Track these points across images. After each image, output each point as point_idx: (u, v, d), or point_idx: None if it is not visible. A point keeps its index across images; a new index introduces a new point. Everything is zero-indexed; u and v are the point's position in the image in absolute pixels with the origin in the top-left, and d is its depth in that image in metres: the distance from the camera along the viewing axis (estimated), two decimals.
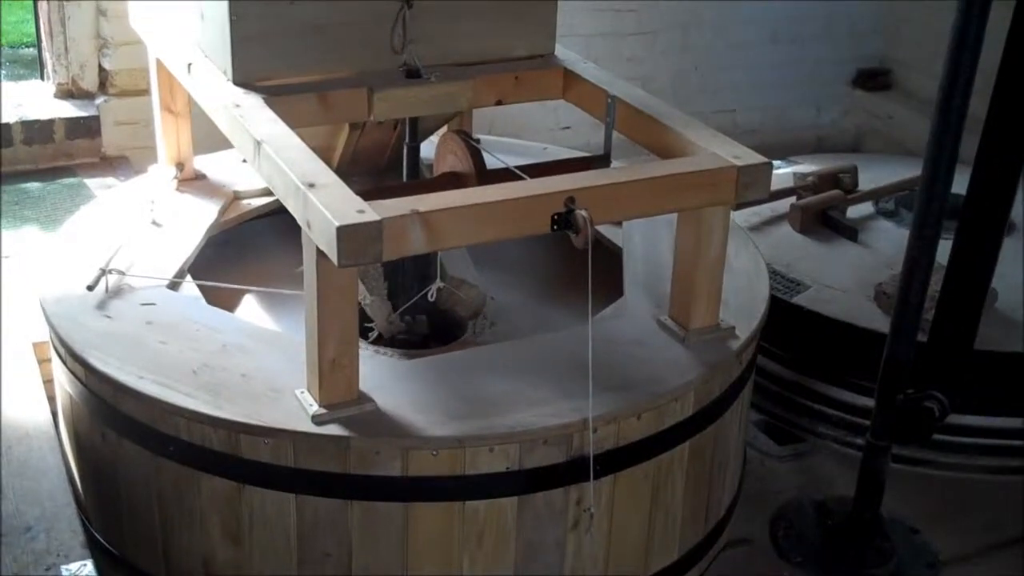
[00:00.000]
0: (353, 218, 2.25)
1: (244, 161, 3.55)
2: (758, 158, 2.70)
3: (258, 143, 2.57)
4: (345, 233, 2.22)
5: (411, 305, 3.13)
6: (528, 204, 2.45)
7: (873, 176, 4.34)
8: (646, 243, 3.33)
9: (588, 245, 2.43)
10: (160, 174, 3.53)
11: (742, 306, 3.04)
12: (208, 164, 3.63)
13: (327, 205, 2.28)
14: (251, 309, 3.28)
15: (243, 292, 3.26)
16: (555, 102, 3.34)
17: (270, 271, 3.39)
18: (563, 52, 3.24)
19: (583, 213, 2.43)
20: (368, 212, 2.27)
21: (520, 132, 4.66)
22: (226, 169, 3.62)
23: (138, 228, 3.23)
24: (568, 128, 5.00)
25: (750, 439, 3.58)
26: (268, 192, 3.42)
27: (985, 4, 2.67)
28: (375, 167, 3.49)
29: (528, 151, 3.81)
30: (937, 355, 3.13)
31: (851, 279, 3.81)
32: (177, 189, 3.48)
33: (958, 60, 2.71)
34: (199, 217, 3.35)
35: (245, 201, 3.51)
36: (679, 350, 2.83)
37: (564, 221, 2.45)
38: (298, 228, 2.45)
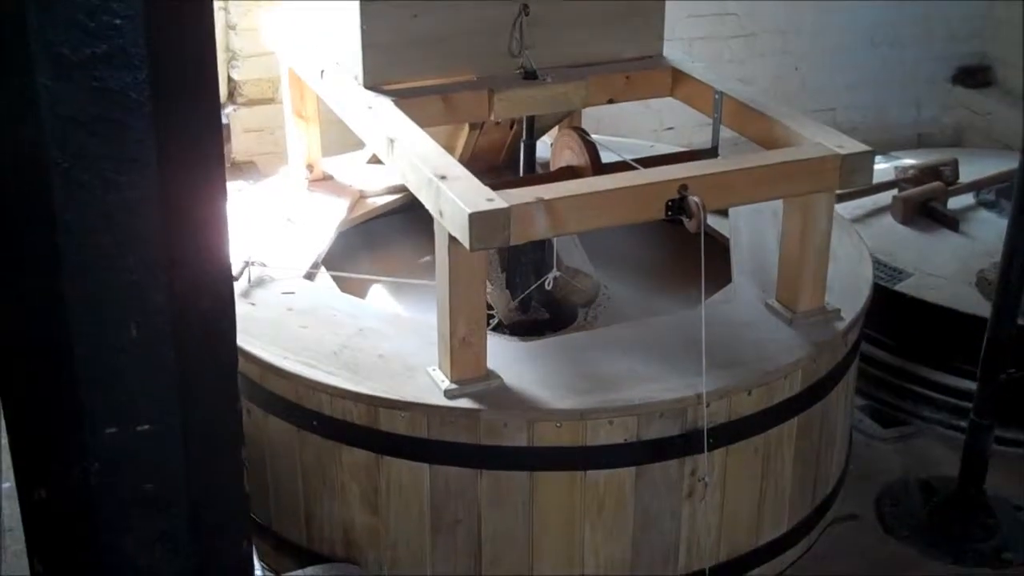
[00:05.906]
0: (484, 206, 2.44)
1: (368, 162, 3.78)
2: (861, 147, 2.84)
3: (391, 140, 2.78)
4: (477, 219, 2.42)
5: (529, 294, 3.31)
6: (643, 191, 2.62)
7: (973, 170, 4.41)
8: (752, 232, 3.47)
9: (701, 229, 2.59)
10: (291, 176, 3.77)
11: (846, 290, 3.17)
12: (335, 166, 3.86)
13: (459, 195, 2.48)
14: (379, 297, 3.49)
15: (371, 282, 3.48)
16: (659, 104, 3.49)
17: (395, 263, 3.61)
18: (670, 52, 3.41)
19: (696, 199, 2.59)
20: (497, 200, 2.47)
21: (626, 134, 4.81)
22: (352, 170, 3.85)
23: (275, 224, 3.47)
24: (671, 128, 5.15)
25: (856, 423, 3.68)
26: (392, 191, 3.65)
27: None
28: (492, 165, 3.68)
29: (636, 148, 3.97)
30: None
31: (953, 267, 3.91)
32: (308, 189, 3.72)
33: None
34: (329, 214, 3.58)
35: (370, 200, 3.73)
36: (787, 331, 2.97)
37: (677, 207, 2.62)
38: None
